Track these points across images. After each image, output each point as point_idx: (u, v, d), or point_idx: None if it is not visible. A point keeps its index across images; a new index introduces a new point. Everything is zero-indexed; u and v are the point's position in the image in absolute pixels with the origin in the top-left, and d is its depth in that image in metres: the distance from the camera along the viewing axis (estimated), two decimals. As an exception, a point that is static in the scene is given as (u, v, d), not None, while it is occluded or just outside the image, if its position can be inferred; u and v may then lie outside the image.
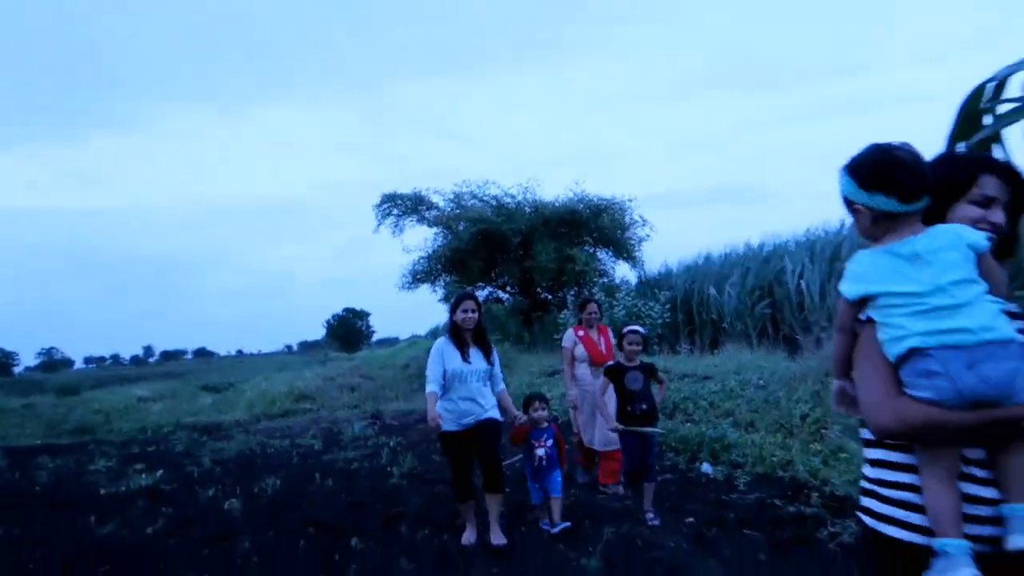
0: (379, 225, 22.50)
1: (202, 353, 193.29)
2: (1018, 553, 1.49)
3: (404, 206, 22.55)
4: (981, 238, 1.62)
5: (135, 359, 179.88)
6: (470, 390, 4.85)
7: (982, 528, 1.56)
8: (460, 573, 4.35)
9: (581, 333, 6.48)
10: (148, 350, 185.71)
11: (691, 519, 5.13)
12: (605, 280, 21.38)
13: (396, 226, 22.52)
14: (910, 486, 1.63)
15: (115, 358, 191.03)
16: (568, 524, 4.97)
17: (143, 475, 8.29)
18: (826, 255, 13.27)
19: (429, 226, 22.39)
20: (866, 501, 1.73)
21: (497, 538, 4.80)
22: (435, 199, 22.41)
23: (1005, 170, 1.76)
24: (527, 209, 21.60)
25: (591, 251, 22.03)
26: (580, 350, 6.42)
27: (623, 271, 22.43)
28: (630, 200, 21.58)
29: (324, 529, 5.43)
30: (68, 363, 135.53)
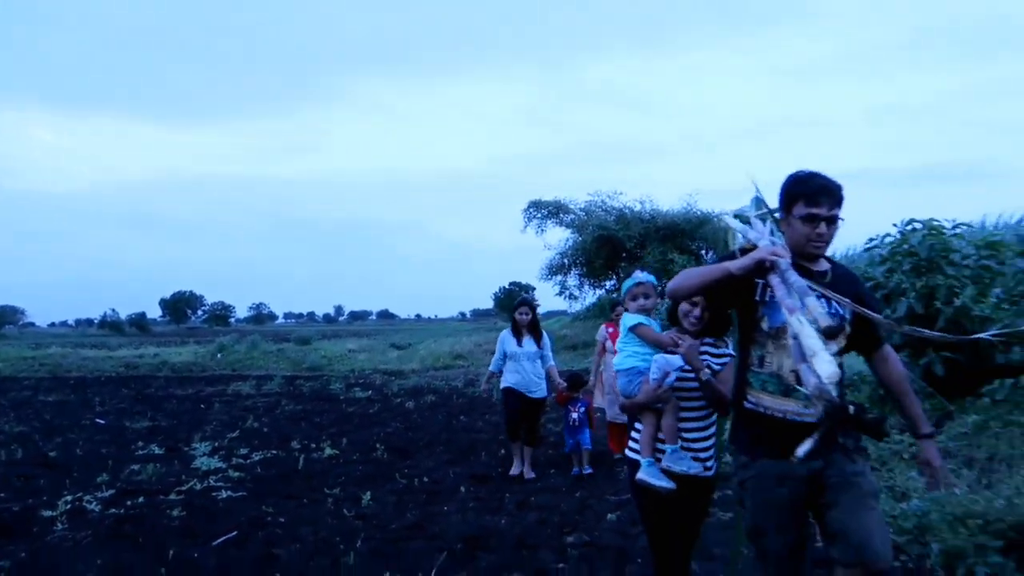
0: (526, 226, 28.35)
1: (385, 315, 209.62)
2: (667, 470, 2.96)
3: (546, 211, 28.23)
4: (631, 322, 3.13)
5: (327, 317, 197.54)
6: (523, 366, 6.78)
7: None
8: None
9: (611, 330, 7.40)
10: (338, 309, 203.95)
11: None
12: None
13: (539, 227, 28.29)
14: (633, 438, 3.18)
15: (311, 315, 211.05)
16: (591, 469, 6.79)
17: (360, 391, 14.69)
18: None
19: (565, 228, 27.93)
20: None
21: (529, 473, 6.80)
22: (571, 206, 27.88)
23: None
24: (645, 216, 26.51)
25: (703, 254, 26.68)
26: (609, 344, 7.32)
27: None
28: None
29: (450, 414, 11.28)
30: (273, 317, 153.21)
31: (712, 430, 3.07)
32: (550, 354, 7.02)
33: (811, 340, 2.10)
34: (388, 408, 12.24)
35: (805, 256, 2.52)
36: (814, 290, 2.33)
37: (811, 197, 2.47)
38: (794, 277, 2.30)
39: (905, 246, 6.34)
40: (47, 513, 5.69)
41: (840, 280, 2.57)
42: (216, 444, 8.68)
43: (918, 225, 6.46)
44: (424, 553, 4.63)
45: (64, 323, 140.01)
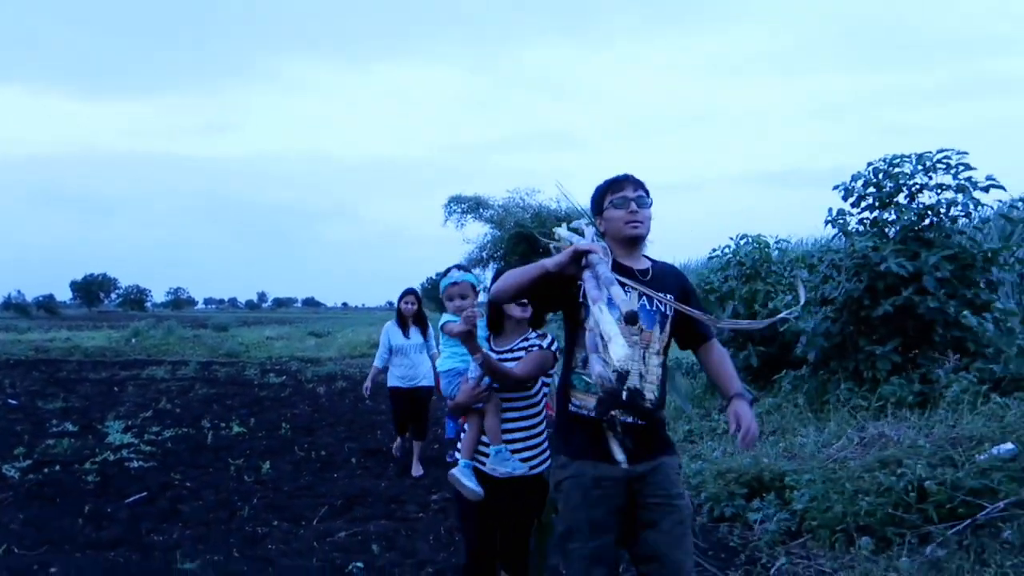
0: (446, 220, 29.22)
1: (311, 303, 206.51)
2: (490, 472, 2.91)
3: (466, 206, 29.17)
4: (440, 323, 3.07)
5: (249, 304, 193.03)
6: (410, 360, 6.66)
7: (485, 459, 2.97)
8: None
9: None
10: (262, 296, 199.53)
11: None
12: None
13: (459, 222, 29.22)
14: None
15: (232, 301, 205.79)
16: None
17: (274, 377, 15.32)
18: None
19: (484, 223, 28.95)
20: None
21: (416, 470, 6.62)
22: (491, 202, 28.90)
23: None
24: (561, 214, 27.75)
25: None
26: None
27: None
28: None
29: (358, 398, 12.09)
30: (192, 303, 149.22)
31: (540, 428, 3.02)
32: (434, 344, 6.82)
33: (609, 326, 2.09)
34: (299, 392, 12.95)
35: (627, 240, 2.59)
36: (632, 288, 2.44)
37: (614, 185, 2.63)
38: (603, 270, 2.29)
39: (737, 257, 7.57)
40: (-31, 479, 6.29)
41: (661, 275, 2.63)
42: (129, 423, 9.26)
43: (748, 238, 7.70)
44: (309, 507, 5.51)
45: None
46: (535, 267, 2.47)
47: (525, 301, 2.89)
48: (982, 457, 4.11)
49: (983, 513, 3.50)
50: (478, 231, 29.67)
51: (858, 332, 5.78)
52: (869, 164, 5.98)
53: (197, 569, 4.23)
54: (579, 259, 2.38)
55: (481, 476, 2.93)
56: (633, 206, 2.58)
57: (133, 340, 22.62)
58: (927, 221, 5.79)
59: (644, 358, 2.51)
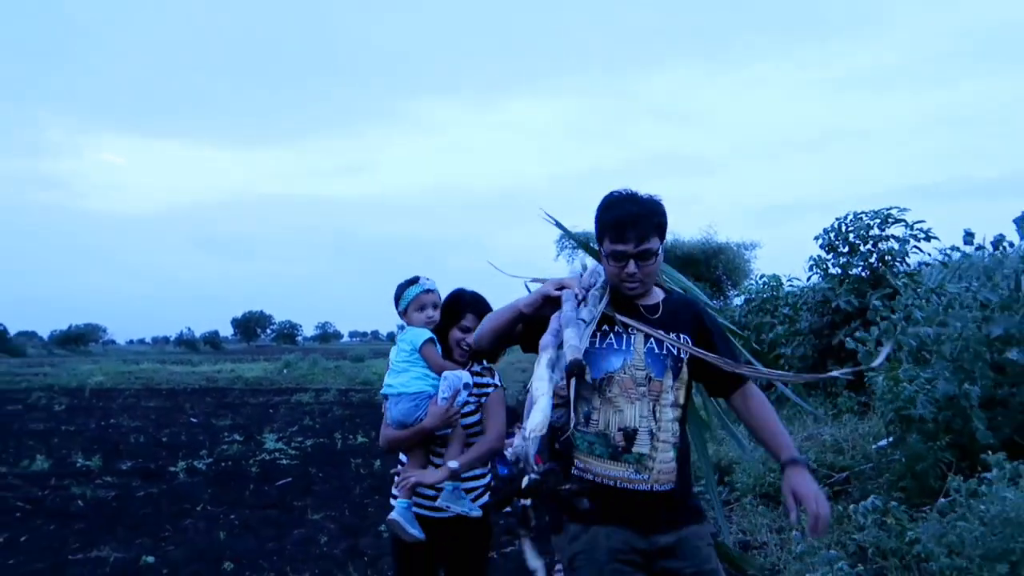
0: (558, 255, 31.14)
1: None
2: (441, 509, 2.61)
3: (576, 242, 31.03)
4: (421, 338, 2.72)
5: (391, 335, 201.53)
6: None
7: (425, 500, 2.71)
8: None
9: None
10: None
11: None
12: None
13: (570, 257, 31.08)
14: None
15: (375, 334, 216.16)
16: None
17: (399, 401, 17.76)
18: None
19: (595, 258, 30.68)
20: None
21: None
22: (600, 237, 30.67)
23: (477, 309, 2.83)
24: (667, 246, 28.99)
25: (723, 279, 29.04)
26: None
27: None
28: (749, 245, 28.32)
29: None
30: (338, 336, 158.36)
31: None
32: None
33: (539, 383, 1.79)
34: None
35: (625, 296, 2.20)
36: (636, 329, 2.11)
37: (615, 231, 2.12)
38: (567, 308, 2.02)
39: (751, 293, 9.05)
40: (172, 469, 8.81)
41: (674, 312, 2.24)
42: (281, 435, 11.77)
43: (765, 277, 9.16)
44: (402, 489, 7.55)
45: (142, 340, 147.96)
46: (509, 309, 2.25)
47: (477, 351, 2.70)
48: (873, 447, 5.55)
49: (831, 479, 4.97)
50: (589, 265, 31.34)
51: (825, 356, 7.16)
52: (836, 219, 7.38)
53: (320, 519, 6.35)
54: (554, 301, 2.13)
55: (418, 516, 2.70)
56: (631, 265, 2.12)
57: (284, 371, 26.06)
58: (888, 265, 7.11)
59: (655, 412, 2.10)
